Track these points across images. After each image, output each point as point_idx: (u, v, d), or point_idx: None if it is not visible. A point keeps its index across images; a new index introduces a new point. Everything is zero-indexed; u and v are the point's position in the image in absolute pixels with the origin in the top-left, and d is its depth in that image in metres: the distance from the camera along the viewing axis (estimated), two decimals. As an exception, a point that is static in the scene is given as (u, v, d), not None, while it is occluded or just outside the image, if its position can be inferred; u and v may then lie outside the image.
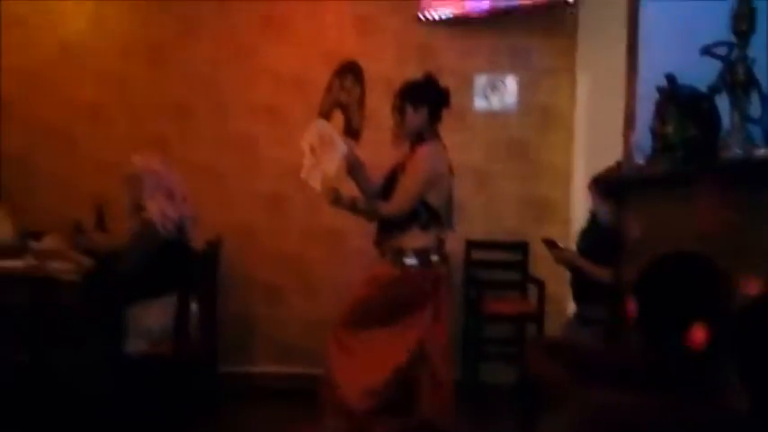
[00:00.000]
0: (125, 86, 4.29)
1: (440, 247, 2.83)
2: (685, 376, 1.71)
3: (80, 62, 4.30)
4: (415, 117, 2.76)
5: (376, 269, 2.89)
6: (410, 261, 2.74)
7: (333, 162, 2.84)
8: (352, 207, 2.77)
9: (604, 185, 3.02)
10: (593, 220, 3.15)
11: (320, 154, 2.88)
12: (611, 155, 3.09)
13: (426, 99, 2.78)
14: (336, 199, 2.76)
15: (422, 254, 2.74)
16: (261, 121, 4.27)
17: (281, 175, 4.20)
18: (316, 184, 2.88)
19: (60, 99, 4.31)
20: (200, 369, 3.56)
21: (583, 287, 3.11)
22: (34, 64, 4.31)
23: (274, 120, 4.26)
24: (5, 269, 3.18)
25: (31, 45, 4.31)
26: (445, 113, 2.94)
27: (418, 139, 2.78)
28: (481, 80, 4.19)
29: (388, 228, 2.77)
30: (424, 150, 2.74)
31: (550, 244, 3.17)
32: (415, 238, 2.73)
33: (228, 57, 4.25)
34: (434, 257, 2.77)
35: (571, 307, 3.90)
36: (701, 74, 2.39)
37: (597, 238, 3.05)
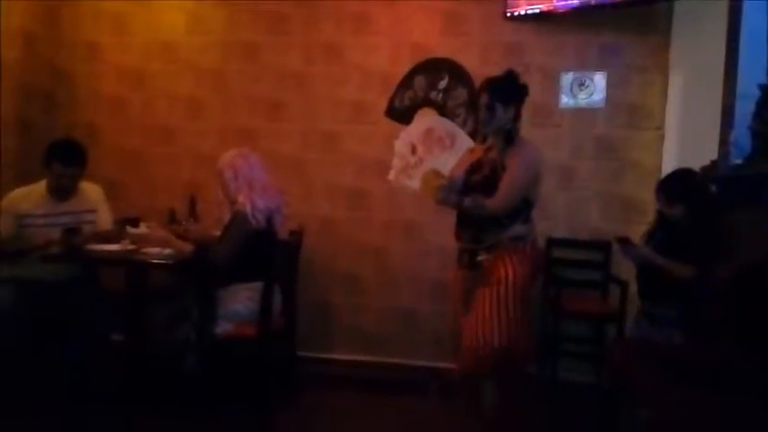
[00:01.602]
0: (221, 82, 4.48)
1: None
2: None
3: (179, 60, 4.52)
4: (505, 114, 2.73)
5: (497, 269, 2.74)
6: (529, 240, 2.78)
7: (449, 159, 2.82)
8: (458, 205, 2.75)
9: (671, 191, 2.98)
10: (662, 221, 3.09)
11: (427, 152, 2.85)
12: (703, 154, 2.99)
13: (515, 96, 2.76)
14: (445, 198, 2.75)
15: (530, 237, 2.79)
16: (346, 116, 4.36)
17: (363, 169, 4.30)
18: (413, 184, 2.84)
19: (160, 94, 4.55)
20: (280, 352, 3.68)
21: (650, 285, 3.06)
22: (137, 61, 4.56)
23: (359, 115, 4.34)
24: (105, 252, 3.37)
25: (134, 44, 4.56)
26: (533, 110, 2.93)
27: (507, 136, 2.76)
28: (568, 77, 4.12)
29: (489, 225, 2.73)
30: (529, 149, 2.75)
31: (624, 241, 3.12)
32: (518, 231, 2.74)
33: (317, 54, 4.37)
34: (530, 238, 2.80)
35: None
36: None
37: (669, 236, 3.00)
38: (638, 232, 3.38)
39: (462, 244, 2.85)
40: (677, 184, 3.00)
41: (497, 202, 2.66)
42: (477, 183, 2.78)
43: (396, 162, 2.90)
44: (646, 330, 3.05)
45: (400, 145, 2.89)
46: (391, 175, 2.91)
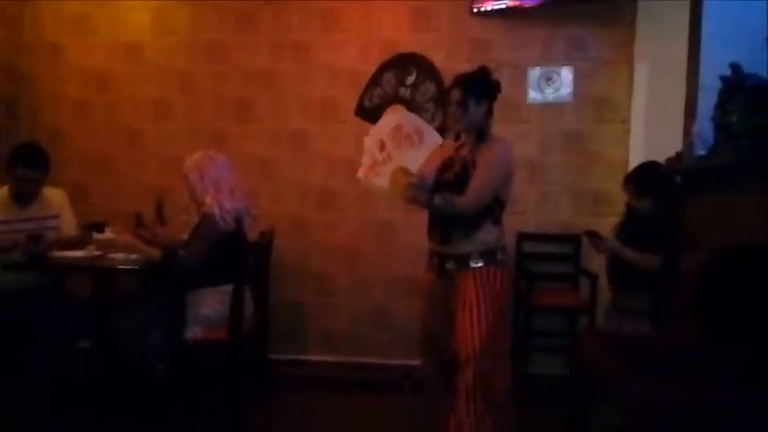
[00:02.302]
0: (187, 83, 4.43)
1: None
2: (745, 370, 1.66)
3: (144, 61, 4.46)
4: (477, 111, 2.67)
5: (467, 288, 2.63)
6: (501, 257, 2.66)
7: (417, 156, 2.76)
8: (428, 203, 2.62)
9: (640, 184, 3.03)
10: (630, 213, 3.14)
11: (396, 148, 2.81)
12: (668, 146, 3.02)
13: (487, 92, 2.70)
14: (414, 196, 2.61)
15: (504, 249, 2.70)
16: (315, 115, 4.33)
17: (333, 168, 4.27)
18: (381, 182, 2.78)
19: (125, 96, 4.48)
20: (251, 355, 3.64)
21: (620, 277, 3.11)
22: (101, 63, 4.49)
23: (328, 114, 4.31)
24: (69, 258, 3.30)
25: (98, 45, 4.49)
26: (501, 105, 2.90)
27: (479, 133, 2.70)
28: (535, 72, 4.14)
29: (458, 224, 2.63)
30: (500, 146, 2.68)
31: (592, 234, 3.15)
32: (495, 235, 2.66)
33: (285, 53, 4.33)
34: (501, 256, 2.69)
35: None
36: (763, 64, 2.33)
37: (638, 228, 3.04)
38: (606, 225, 3.41)
39: (432, 244, 2.77)
40: (646, 177, 3.04)
41: (468, 200, 2.58)
42: (448, 181, 2.70)
43: (365, 159, 2.87)
44: (616, 322, 3.08)
45: (369, 142, 2.85)
46: (360, 173, 2.88)
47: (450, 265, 2.68)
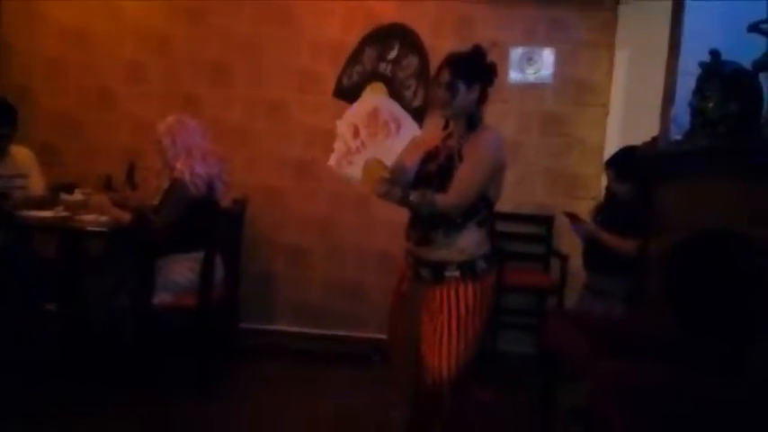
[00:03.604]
0: (164, 46, 4.32)
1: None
2: (714, 352, 1.69)
3: (122, 20, 4.34)
4: (468, 96, 2.34)
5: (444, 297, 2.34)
6: (482, 267, 2.36)
7: (393, 147, 2.49)
8: (403, 200, 2.27)
9: (621, 169, 3.02)
10: (610, 197, 3.16)
11: (370, 136, 2.54)
12: (646, 130, 3.04)
13: (480, 75, 2.37)
14: (388, 192, 2.25)
15: (488, 258, 2.40)
16: (294, 86, 4.26)
17: (311, 140, 4.21)
18: (354, 172, 2.52)
19: (100, 56, 4.37)
20: (221, 324, 3.62)
21: (596, 259, 3.12)
22: (76, 21, 4.36)
23: (308, 85, 4.25)
24: (36, 218, 3.24)
25: (74, 2, 4.35)
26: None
27: (469, 121, 2.39)
28: (517, 52, 4.12)
29: (441, 224, 2.32)
30: (490, 136, 2.37)
31: (572, 217, 3.16)
32: (478, 241, 2.35)
33: (267, 20, 4.25)
34: (482, 266, 2.38)
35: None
36: (745, 51, 2.34)
37: (616, 212, 3.06)
38: (581, 207, 3.45)
39: (409, 244, 2.44)
40: (628, 162, 3.01)
41: (450, 198, 2.26)
42: (430, 174, 2.39)
43: (338, 145, 2.62)
44: (588, 303, 3.12)
45: (343, 126, 2.60)
46: (333, 161, 2.64)
47: (424, 273, 2.39)
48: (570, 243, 3.80)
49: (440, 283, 2.34)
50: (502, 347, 3.98)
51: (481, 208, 2.35)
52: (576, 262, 3.45)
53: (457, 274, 2.32)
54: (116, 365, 3.26)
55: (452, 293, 2.32)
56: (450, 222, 2.31)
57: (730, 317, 1.71)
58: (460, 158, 2.33)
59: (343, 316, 4.29)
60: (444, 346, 2.28)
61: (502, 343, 3.98)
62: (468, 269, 2.33)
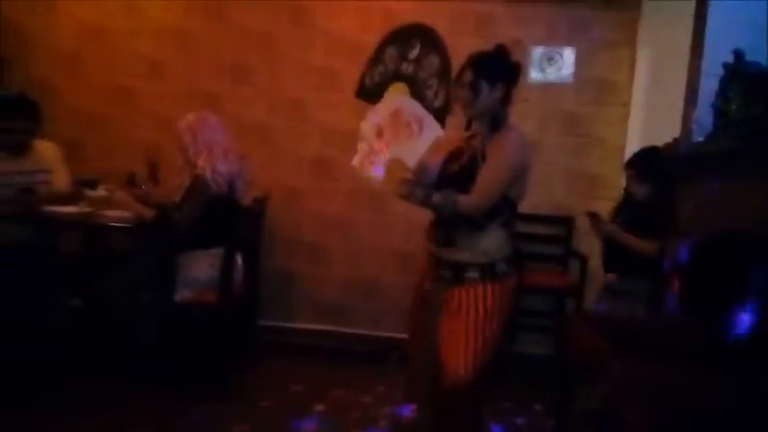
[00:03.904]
0: (184, 43, 4.36)
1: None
2: (731, 353, 1.68)
3: (141, 17, 4.38)
4: (491, 96, 2.32)
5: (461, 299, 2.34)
6: (503, 269, 2.36)
7: (415, 149, 2.50)
8: (426, 201, 2.27)
9: (642, 169, 3.01)
10: (628, 197, 3.15)
11: (394, 137, 2.55)
12: (667, 131, 3.02)
13: (503, 75, 2.34)
14: (410, 193, 2.27)
15: (509, 260, 2.40)
16: (313, 83, 4.28)
17: (329, 138, 4.24)
18: (378, 173, 2.53)
19: (121, 52, 4.41)
20: (241, 320, 3.65)
21: (615, 260, 3.11)
22: (98, 18, 4.41)
23: (326, 83, 4.27)
24: (61, 214, 3.28)
25: (95, 0, 4.40)
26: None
27: (492, 121, 2.37)
28: (538, 51, 4.10)
29: (463, 224, 2.32)
30: (514, 136, 2.34)
31: (593, 216, 3.14)
32: (500, 243, 2.35)
33: (285, 18, 4.26)
34: (502, 269, 2.38)
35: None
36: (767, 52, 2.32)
37: (635, 213, 3.04)
38: (600, 208, 3.41)
39: (430, 245, 2.44)
40: (649, 163, 3.01)
41: (472, 200, 2.25)
42: (453, 174, 2.39)
43: (361, 146, 2.61)
44: (608, 304, 3.10)
45: (366, 127, 2.61)
46: (355, 161, 2.63)
47: (445, 274, 2.39)
48: (589, 244, 3.78)
49: (460, 285, 2.33)
50: (520, 349, 3.97)
51: (504, 209, 2.32)
52: (596, 263, 3.44)
53: (477, 275, 2.32)
54: (138, 361, 3.30)
55: (471, 294, 2.31)
56: (472, 223, 2.29)
57: (750, 318, 1.70)
58: (483, 159, 2.30)
59: (361, 314, 4.31)
60: (462, 346, 2.28)
61: (520, 345, 3.97)
62: (488, 271, 2.32)
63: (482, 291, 2.31)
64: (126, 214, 3.26)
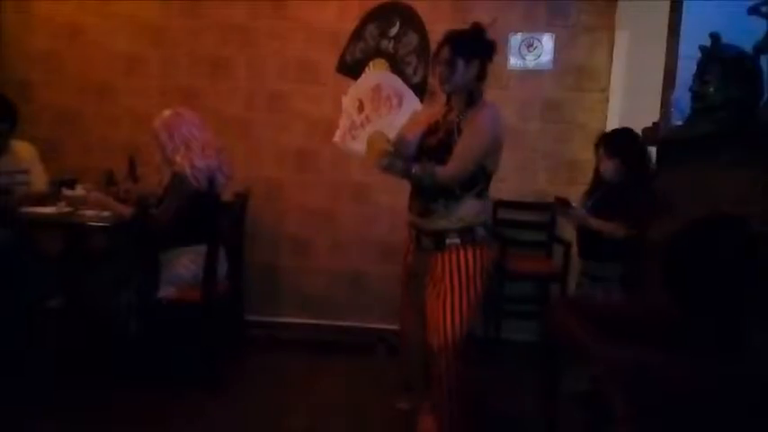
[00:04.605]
0: (161, 39, 4.31)
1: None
2: (714, 336, 1.70)
3: (117, 15, 4.32)
4: (467, 72, 2.44)
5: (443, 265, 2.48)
6: (481, 234, 2.48)
7: (395, 122, 2.59)
8: (405, 172, 2.42)
9: (611, 144, 3.06)
10: (598, 180, 3.17)
11: (374, 111, 2.64)
12: (647, 115, 3.03)
13: (479, 52, 2.46)
14: (390, 164, 2.42)
15: (487, 225, 2.51)
16: (292, 75, 4.25)
17: (311, 130, 4.22)
18: (359, 146, 2.62)
19: (97, 50, 4.36)
20: (226, 316, 3.63)
21: (590, 245, 3.13)
22: (74, 16, 4.34)
23: (306, 74, 4.24)
24: (39, 214, 3.24)
25: (68, -3, 4.34)
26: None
27: (468, 97, 2.49)
28: (517, 38, 4.10)
29: (440, 194, 2.45)
30: (489, 111, 2.46)
31: (560, 202, 3.17)
32: (477, 210, 2.47)
33: (262, 9, 4.22)
34: (480, 234, 2.51)
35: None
36: (746, 34, 2.32)
37: (604, 196, 3.08)
38: (582, 193, 3.43)
39: (411, 216, 2.59)
40: (617, 139, 3.06)
41: (449, 170, 2.38)
42: (430, 147, 2.52)
43: (342, 121, 2.72)
44: (587, 290, 3.12)
45: (348, 101, 2.71)
46: (337, 137, 2.73)
47: (426, 242, 2.53)
48: (572, 230, 3.79)
49: (441, 251, 2.47)
50: (506, 336, 3.98)
51: (479, 180, 2.46)
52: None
53: (457, 240, 2.45)
54: (122, 360, 3.28)
55: (453, 259, 2.45)
56: (449, 194, 2.43)
57: (730, 301, 1.72)
58: (459, 133, 2.44)
59: (348, 306, 4.30)
60: (447, 307, 2.42)
61: (506, 331, 3.98)
62: (467, 235, 2.46)
63: (463, 255, 2.44)
64: (104, 213, 3.23)
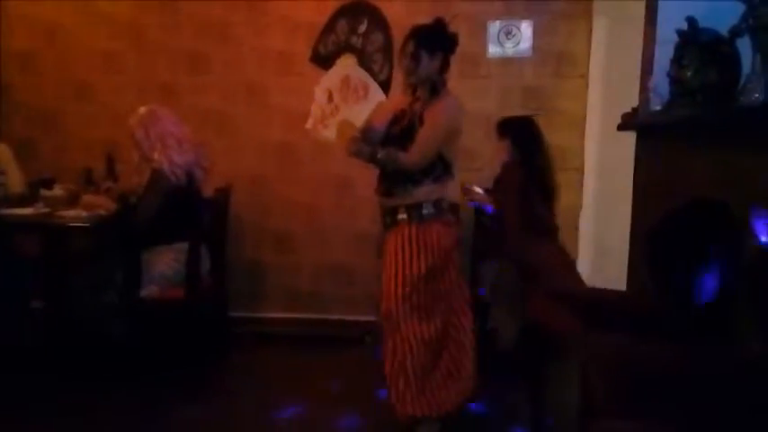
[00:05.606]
0: (137, 35, 4.26)
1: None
2: (699, 322, 1.70)
3: (94, 11, 4.26)
4: (431, 64, 2.62)
5: (397, 237, 2.67)
6: (429, 211, 2.65)
7: (362, 111, 2.76)
8: (372, 158, 2.62)
9: (501, 126, 3.36)
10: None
11: (343, 100, 2.80)
12: (627, 101, 3.03)
13: (441, 45, 2.64)
14: (358, 150, 2.63)
15: (437, 204, 2.69)
16: (271, 68, 4.21)
17: (291, 123, 4.17)
18: (330, 133, 2.80)
19: (74, 48, 4.30)
20: (210, 314, 3.61)
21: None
22: (50, 15, 4.28)
23: (284, 67, 4.19)
24: (17, 216, 3.20)
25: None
26: (460, 60, 2.88)
27: (432, 87, 2.67)
28: (495, 26, 4.09)
29: (401, 179, 2.64)
30: (448, 102, 2.65)
31: (465, 190, 3.43)
32: (429, 191, 2.65)
33: (239, 3, 4.17)
34: (446, 205, 2.74)
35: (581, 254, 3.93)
36: (723, 18, 2.32)
37: (498, 175, 3.35)
38: (563, 180, 3.44)
39: (377, 197, 2.78)
40: (508, 122, 3.38)
41: (412, 156, 2.57)
42: (395, 134, 2.70)
43: (314, 109, 2.87)
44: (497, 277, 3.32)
45: (319, 92, 2.86)
46: (309, 124, 2.90)
47: (386, 220, 2.74)
48: (558, 217, 3.80)
49: (394, 227, 2.68)
50: (492, 325, 3.97)
51: (438, 165, 2.64)
52: (563, 235, 3.46)
53: (405, 216, 2.65)
54: (105, 361, 3.25)
55: (400, 235, 2.65)
56: (409, 178, 2.62)
57: (712, 286, 1.72)
58: (421, 122, 2.62)
59: (333, 300, 4.29)
60: (392, 280, 2.63)
61: (491, 320, 3.97)
62: (415, 212, 2.64)
63: (407, 230, 2.64)
64: (83, 213, 3.20)
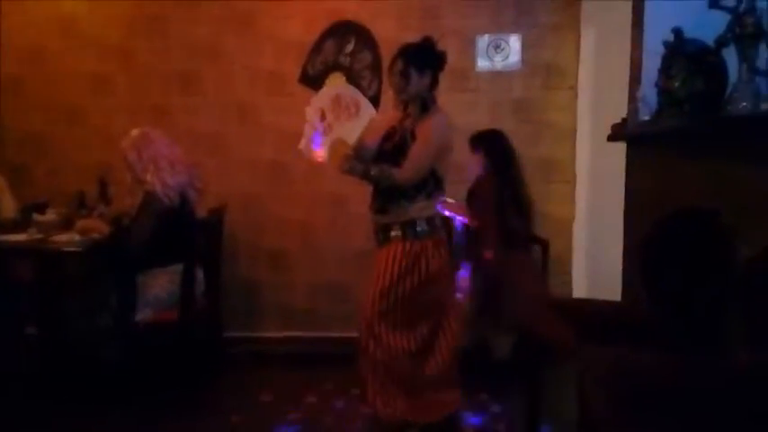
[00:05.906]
0: (127, 58, 4.27)
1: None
2: (690, 332, 1.70)
3: (82, 35, 4.27)
4: (420, 82, 2.67)
5: (390, 255, 2.70)
6: (423, 228, 2.69)
7: (354, 128, 2.79)
8: (365, 174, 2.66)
9: (474, 140, 3.46)
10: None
11: (335, 119, 2.82)
12: (616, 112, 3.05)
13: (431, 63, 2.70)
14: (352, 168, 2.66)
15: (431, 221, 2.73)
16: (262, 88, 4.24)
17: (283, 142, 4.17)
18: (321, 153, 2.82)
19: (63, 72, 4.30)
20: (205, 335, 3.59)
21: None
22: (36, 38, 4.29)
23: (276, 86, 4.22)
24: (10, 243, 3.19)
25: (33, 20, 4.28)
26: (450, 75, 2.91)
27: (422, 104, 2.72)
28: (484, 40, 4.12)
29: (394, 195, 2.68)
30: (438, 119, 2.69)
31: (444, 203, 3.41)
32: (423, 207, 2.69)
33: (229, 24, 4.20)
34: (438, 223, 2.78)
35: (575, 266, 3.93)
36: (709, 28, 2.35)
37: (472, 187, 3.45)
38: (555, 191, 3.46)
39: (370, 214, 2.81)
40: (480, 136, 3.49)
41: (405, 172, 2.61)
42: (387, 151, 2.75)
43: (306, 129, 2.89)
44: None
45: (310, 112, 2.88)
46: (302, 144, 2.91)
47: (380, 237, 2.76)
48: (550, 230, 3.81)
49: (387, 243, 2.70)
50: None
51: (430, 181, 2.68)
52: (556, 248, 3.47)
53: (399, 233, 2.67)
54: (100, 385, 3.22)
55: (392, 251, 2.67)
56: (403, 194, 2.65)
57: (704, 296, 1.73)
58: (413, 138, 2.67)
59: (328, 317, 4.27)
60: (373, 289, 2.67)
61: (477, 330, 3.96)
62: (409, 229, 2.67)
63: (401, 248, 2.66)
64: (77, 237, 3.19)
